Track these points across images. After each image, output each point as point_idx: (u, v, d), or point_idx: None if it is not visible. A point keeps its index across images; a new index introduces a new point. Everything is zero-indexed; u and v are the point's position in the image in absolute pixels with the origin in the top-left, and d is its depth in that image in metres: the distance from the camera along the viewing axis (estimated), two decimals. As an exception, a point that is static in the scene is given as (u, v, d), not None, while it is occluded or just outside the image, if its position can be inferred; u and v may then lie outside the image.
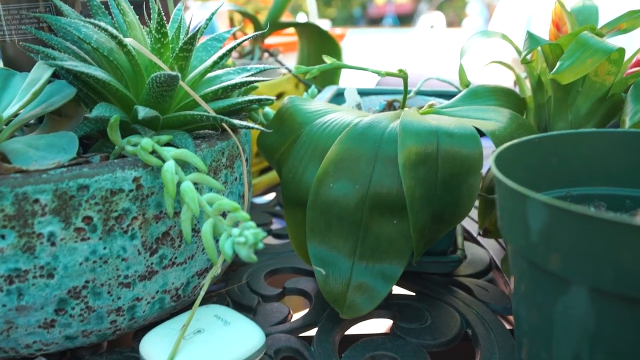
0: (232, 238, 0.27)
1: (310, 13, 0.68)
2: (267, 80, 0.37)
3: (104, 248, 0.29)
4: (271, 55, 0.62)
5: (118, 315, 0.31)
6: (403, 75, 0.35)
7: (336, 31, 0.78)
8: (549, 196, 0.28)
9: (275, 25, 0.60)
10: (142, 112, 0.30)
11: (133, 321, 0.32)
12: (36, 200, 0.27)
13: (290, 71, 0.58)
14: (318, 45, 0.64)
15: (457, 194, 0.33)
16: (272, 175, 0.61)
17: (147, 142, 0.29)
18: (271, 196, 0.61)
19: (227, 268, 0.43)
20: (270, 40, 0.70)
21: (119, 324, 0.32)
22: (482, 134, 0.35)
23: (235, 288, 0.40)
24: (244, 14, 0.58)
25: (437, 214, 0.34)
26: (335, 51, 0.63)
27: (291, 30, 0.79)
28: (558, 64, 0.34)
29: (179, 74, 0.30)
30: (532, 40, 0.38)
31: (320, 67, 0.35)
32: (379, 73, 0.35)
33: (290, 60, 0.70)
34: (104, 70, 0.33)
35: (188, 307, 0.37)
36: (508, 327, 0.35)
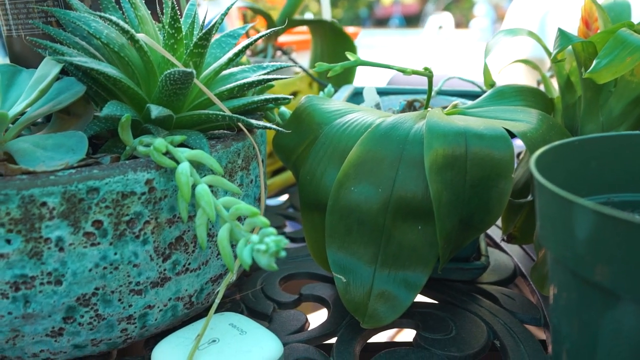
0: (251, 245, 0.25)
1: (323, 10, 0.67)
2: (280, 78, 0.35)
3: (115, 254, 0.28)
4: (284, 53, 0.61)
5: (129, 324, 0.30)
6: (428, 73, 0.34)
7: (349, 30, 0.76)
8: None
9: (289, 23, 0.58)
10: (155, 110, 0.28)
11: (144, 329, 0.31)
12: (44, 204, 0.26)
13: (304, 70, 0.57)
14: (332, 43, 0.62)
15: (487, 198, 0.32)
16: (286, 177, 0.59)
17: (160, 142, 0.28)
18: (284, 198, 0.59)
19: (241, 274, 0.41)
20: (282, 39, 0.69)
21: (129, 332, 0.30)
22: (511, 135, 0.33)
23: (249, 294, 0.39)
24: (257, 11, 0.56)
25: (465, 219, 0.32)
26: (350, 49, 0.62)
27: (303, 28, 0.78)
28: (595, 62, 0.32)
29: (194, 71, 0.29)
30: (564, 37, 0.36)
31: (343, 64, 0.33)
32: (404, 71, 0.33)
33: (303, 58, 0.69)
34: (115, 67, 0.31)
35: (201, 314, 0.35)
36: (538, 338, 0.33)
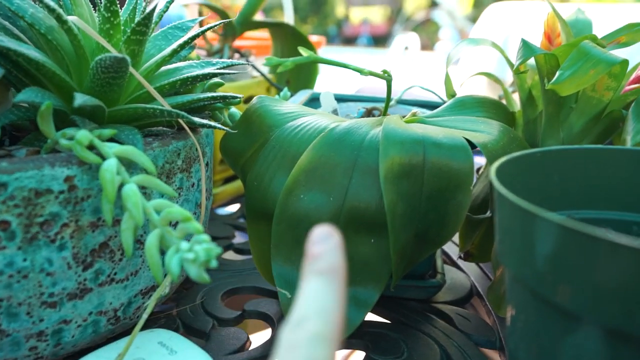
0: (180, 253, 0.22)
1: (285, 13, 0.65)
2: (230, 73, 0.32)
3: (24, 260, 0.24)
4: (242, 56, 0.58)
5: (39, 341, 0.26)
6: (387, 77, 0.32)
7: (313, 38, 0.74)
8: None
9: (248, 24, 0.56)
10: (80, 99, 0.25)
11: (59, 347, 0.27)
12: (-61, 199, 0.22)
13: (262, 73, 0.54)
14: (293, 48, 0.60)
15: (444, 211, 0.30)
16: (238, 185, 0.56)
17: (83, 134, 0.25)
18: (235, 207, 0.56)
19: (180, 286, 0.38)
20: (241, 43, 0.66)
21: (40, 350, 0.26)
22: (472, 147, 0.31)
23: (187, 309, 0.35)
24: (214, 9, 0.54)
25: (420, 233, 0.30)
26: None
27: (264, 34, 0.75)
28: (558, 73, 0.31)
29: (128, 58, 0.26)
30: (527, 48, 0.35)
31: (295, 59, 0.31)
32: (361, 72, 0.31)
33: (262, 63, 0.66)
34: (41, 51, 0.28)
35: (129, 330, 0.32)
36: (493, 363, 0.31)
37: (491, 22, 1.46)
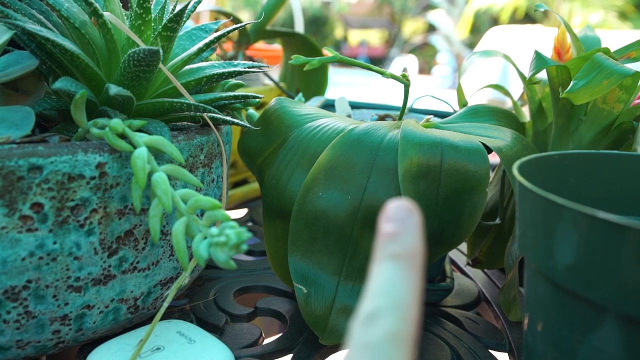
0: (209, 239, 0.23)
1: (296, 23, 0.66)
2: (254, 71, 0.33)
3: (54, 242, 0.25)
4: (254, 64, 0.59)
5: (63, 325, 0.26)
6: (406, 81, 0.33)
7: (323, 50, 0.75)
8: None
9: (262, 33, 0.57)
10: (114, 89, 0.26)
11: (80, 333, 0.27)
12: (-24, 179, 0.23)
13: (274, 81, 0.55)
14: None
15: (459, 213, 0.30)
16: (247, 189, 0.57)
17: (117, 122, 0.25)
18: (243, 212, 0.56)
19: (192, 283, 0.39)
20: (252, 52, 0.67)
21: (62, 335, 0.27)
22: (487, 150, 0.32)
23: (200, 304, 0.36)
24: (228, 16, 0.55)
25: (435, 234, 0.31)
26: (322, 66, 0.61)
27: (272, 46, 0.77)
28: (572, 82, 0.32)
29: (160, 49, 0.26)
30: (540, 60, 0.36)
31: (320, 59, 0.32)
32: (383, 74, 0.32)
33: (273, 73, 0.67)
34: (74, 43, 0.29)
35: (145, 322, 0.32)
36: (504, 365, 0.32)
37: (491, 44, 1.48)
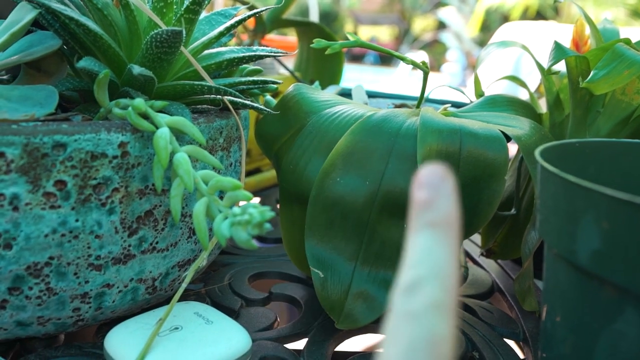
0: (231, 218, 0.23)
1: (311, 13, 0.66)
2: (273, 56, 0.33)
3: (76, 220, 0.25)
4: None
5: (83, 302, 0.27)
6: (425, 68, 0.33)
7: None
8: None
9: (278, 22, 0.57)
10: (137, 69, 0.26)
11: (99, 312, 0.28)
12: (1, 154, 0.23)
13: (290, 71, 0.55)
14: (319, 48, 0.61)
15: (477, 200, 0.30)
16: (259, 178, 0.57)
17: (140, 102, 0.25)
18: (256, 200, 0.56)
19: (207, 267, 0.39)
20: (267, 41, 0.67)
21: (82, 313, 0.27)
22: (506, 139, 0.32)
23: (215, 288, 0.36)
24: (246, 4, 0.55)
25: (453, 220, 0.31)
26: (337, 56, 0.61)
27: (284, 37, 0.77)
28: (592, 72, 0.32)
29: (184, 30, 0.27)
30: (559, 50, 0.36)
31: (342, 43, 0.32)
32: (404, 59, 0.32)
33: (288, 62, 0.67)
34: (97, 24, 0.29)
35: (162, 303, 0.32)
36: (520, 355, 0.32)
37: (504, 40, 1.47)
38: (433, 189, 0.14)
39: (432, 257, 0.13)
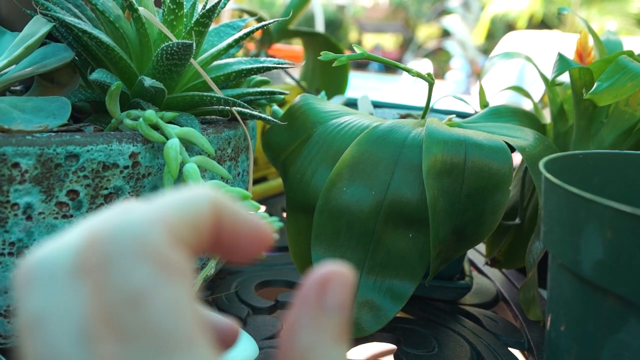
0: (239, 228, 0.23)
1: (316, 23, 0.67)
2: (281, 67, 0.34)
3: (88, 229, 0.25)
4: (275, 63, 0.60)
5: (93, 310, 0.27)
6: (430, 80, 0.33)
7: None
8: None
9: (284, 32, 0.58)
10: (149, 81, 0.27)
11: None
12: (16, 165, 0.23)
13: (296, 81, 0.56)
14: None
15: (481, 210, 0.31)
16: (265, 187, 0.58)
17: (150, 113, 0.26)
18: (262, 209, 0.57)
19: (214, 276, 0.39)
20: (273, 52, 0.68)
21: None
22: (510, 150, 0.32)
23: (222, 296, 0.36)
24: (251, 14, 0.56)
25: (458, 230, 0.31)
26: (343, 66, 0.61)
27: (290, 47, 0.78)
28: (596, 84, 0.32)
29: (194, 42, 0.27)
30: (563, 62, 0.36)
31: (349, 55, 0.32)
32: (409, 71, 0.32)
33: (293, 72, 0.68)
34: (109, 36, 0.30)
35: (170, 311, 0.33)
36: (523, 363, 0.32)
37: (509, 49, 1.48)
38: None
39: None
